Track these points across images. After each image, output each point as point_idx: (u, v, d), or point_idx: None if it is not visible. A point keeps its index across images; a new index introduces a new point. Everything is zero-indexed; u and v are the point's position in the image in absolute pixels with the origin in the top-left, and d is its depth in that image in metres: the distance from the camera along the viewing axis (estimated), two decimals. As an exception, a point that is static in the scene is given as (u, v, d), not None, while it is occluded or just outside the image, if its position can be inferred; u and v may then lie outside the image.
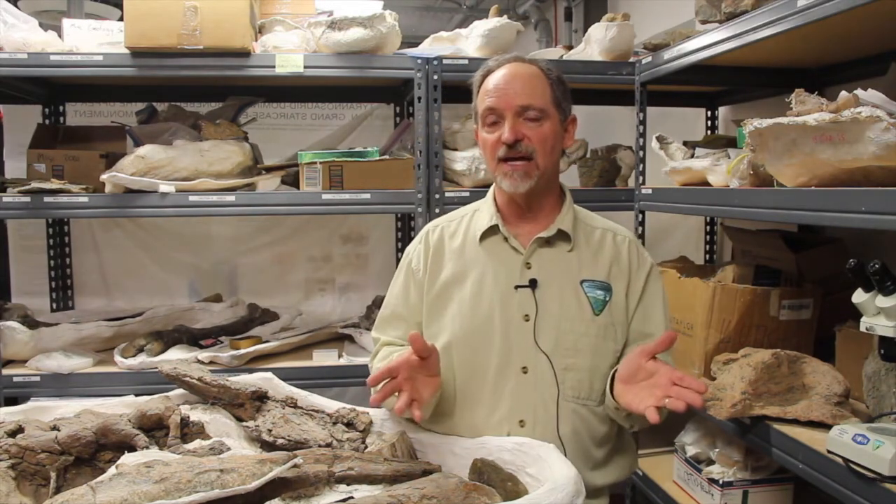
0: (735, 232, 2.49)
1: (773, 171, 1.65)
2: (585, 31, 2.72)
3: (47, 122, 2.91)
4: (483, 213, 1.58)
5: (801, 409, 1.65)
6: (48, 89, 2.85)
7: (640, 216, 2.53)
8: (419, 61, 2.45)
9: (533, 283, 1.48)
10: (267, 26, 2.51)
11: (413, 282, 1.59)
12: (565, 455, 1.35)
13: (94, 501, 1.01)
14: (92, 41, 2.41)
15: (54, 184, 2.32)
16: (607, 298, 1.50)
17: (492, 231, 1.54)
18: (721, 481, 1.99)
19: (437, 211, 2.44)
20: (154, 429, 1.40)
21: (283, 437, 1.40)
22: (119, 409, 1.51)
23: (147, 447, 1.31)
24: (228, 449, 1.33)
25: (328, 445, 1.41)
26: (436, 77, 2.46)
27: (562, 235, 1.52)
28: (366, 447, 1.46)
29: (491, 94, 1.47)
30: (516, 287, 1.49)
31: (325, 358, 2.54)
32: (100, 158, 2.50)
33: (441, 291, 1.55)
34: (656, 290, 1.56)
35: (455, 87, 2.58)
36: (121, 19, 2.31)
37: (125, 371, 2.39)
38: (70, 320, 2.67)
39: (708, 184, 2.17)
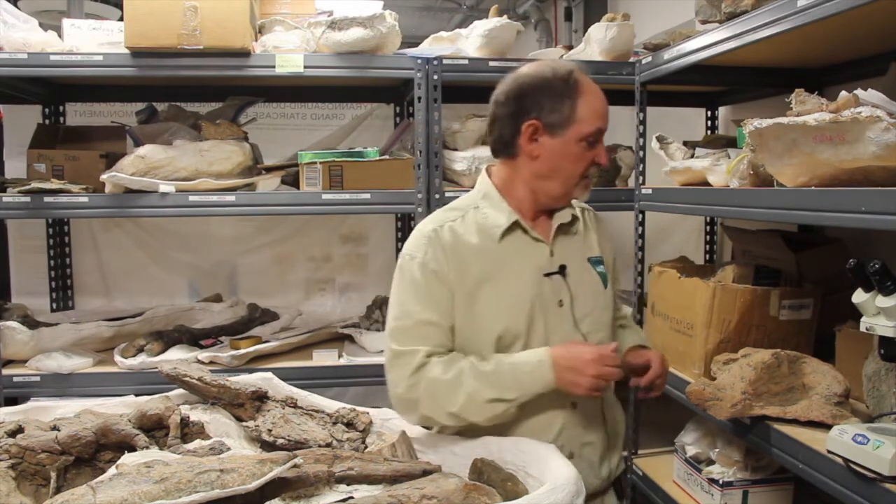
0: (735, 232, 2.49)
1: (773, 171, 1.65)
2: (585, 31, 2.72)
3: (47, 122, 2.91)
4: (492, 211, 1.54)
5: (801, 409, 1.65)
6: (48, 89, 2.85)
7: (640, 216, 2.52)
8: (419, 61, 2.45)
9: (562, 269, 1.52)
10: (267, 26, 2.51)
11: (438, 284, 1.49)
12: (606, 436, 1.54)
13: (94, 501, 1.01)
14: (92, 41, 2.41)
15: (54, 184, 2.32)
16: (605, 271, 1.59)
17: (510, 228, 1.52)
18: (721, 481, 1.99)
19: (437, 211, 2.44)
20: (154, 429, 1.40)
21: (283, 437, 1.40)
22: (119, 409, 1.51)
23: (147, 447, 1.31)
24: (228, 449, 1.33)
25: (328, 445, 1.41)
26: (436, 77, 2.46)
27: (573, 220, 1.58)
28: (366, 447, 1.46)
29: (601, 117, 1.50)
30: (546, 275, 1.51)
31: (325, 358, 2.54)
32: (100, 158, 2.50)
33: (472, 291, 1.49)
34: (612, 246, 1.67)
35: (455, 87, 2.58)
36: (121, 19, 2.31)
37: (125, 371, 2.39)
38: (70, 320, 2.67)
39: (708, 184, 2.16)
